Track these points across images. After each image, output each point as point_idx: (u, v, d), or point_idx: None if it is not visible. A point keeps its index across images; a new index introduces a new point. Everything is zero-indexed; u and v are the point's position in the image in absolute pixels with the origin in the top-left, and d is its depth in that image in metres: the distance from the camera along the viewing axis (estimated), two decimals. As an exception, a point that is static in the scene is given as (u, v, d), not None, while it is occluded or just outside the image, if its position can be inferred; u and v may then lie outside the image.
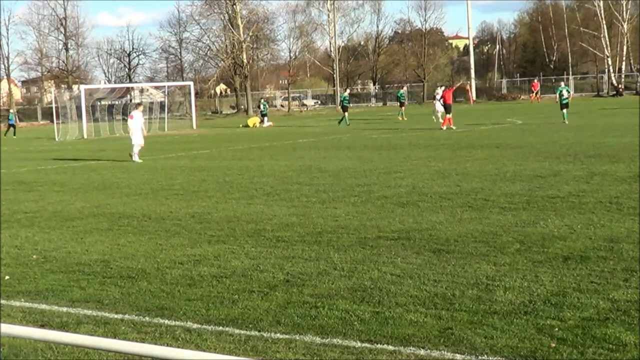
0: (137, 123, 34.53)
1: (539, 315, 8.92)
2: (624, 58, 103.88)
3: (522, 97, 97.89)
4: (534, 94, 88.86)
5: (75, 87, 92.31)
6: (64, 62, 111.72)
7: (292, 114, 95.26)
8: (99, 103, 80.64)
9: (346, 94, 62.21)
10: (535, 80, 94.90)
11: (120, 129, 63.38)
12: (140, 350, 4.40)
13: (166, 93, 79.38)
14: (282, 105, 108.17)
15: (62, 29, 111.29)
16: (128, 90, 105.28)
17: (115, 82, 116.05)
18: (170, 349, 4.33)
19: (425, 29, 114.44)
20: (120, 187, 23.45)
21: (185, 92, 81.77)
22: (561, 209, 15.90)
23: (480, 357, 7.78)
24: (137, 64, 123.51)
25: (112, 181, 25.41)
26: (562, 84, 43.15)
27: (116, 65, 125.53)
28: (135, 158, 33.22)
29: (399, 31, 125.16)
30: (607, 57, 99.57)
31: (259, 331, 8.88)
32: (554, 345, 7.94)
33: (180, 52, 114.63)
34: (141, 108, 37.81)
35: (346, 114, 56.99)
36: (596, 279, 10.34)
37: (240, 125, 64.89)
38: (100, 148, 44.18)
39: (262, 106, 66.21)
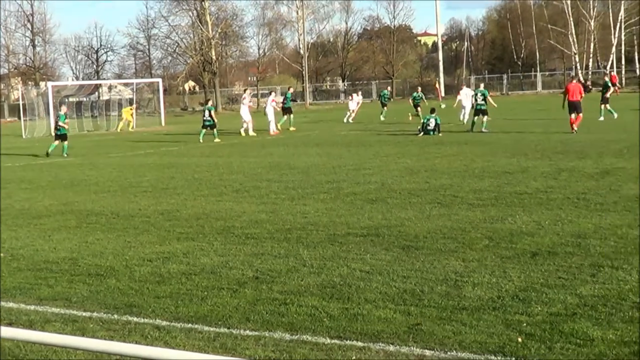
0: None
1: (507, 310, 8.97)
2: (591, 55, 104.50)
3: (491, 93, 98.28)
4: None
5: (42, 84, 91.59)
6: (31, 58, 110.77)
7: (260, 110, 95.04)
8: (66, 100, 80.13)
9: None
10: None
11: (89, 125, 63.12)
12: (109, 348, 4.38)
13: (134, 90, 78.92)
14: (250, 102, 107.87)
15: (29, 26, 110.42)
16: (96, 87, 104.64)
17: (83, 79, 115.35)
18: (139, 347, 4.32)
19: (394, 26, 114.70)
20: (89, 185, 23.33)
21: (154, 88, 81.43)
22: (529, 205, 15.99)
23: (449, 353, 7.81)
24: (105, 61, 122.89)
25: (80, 178, 25.27)
26: (482, 85, 42.01)
27: (84, 62, 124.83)
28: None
29: (368, 28, 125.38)
30: (575, 54, 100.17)
31: (228, 328, 8.87)
32: (521, 340, 7.98)
33: (149, 49, 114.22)
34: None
35: (290, 115, 51.13)
36: (564, 274, 10.41)
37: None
38: (68, 145, 43.88)
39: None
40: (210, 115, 41.15)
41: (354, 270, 11.18)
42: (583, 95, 36.56)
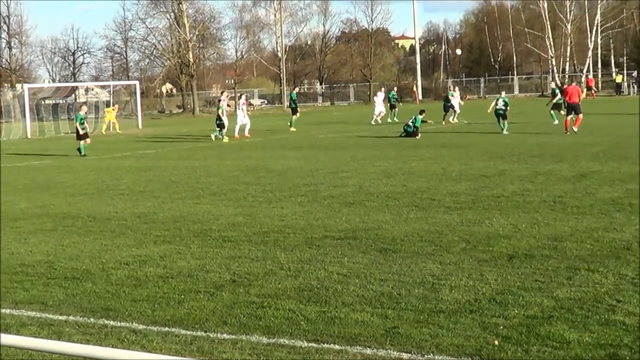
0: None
1: (484, 313, 9.00)
2: (568, 58, 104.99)
3: (468, 97, 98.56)
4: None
5: (18, 86, 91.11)
6: (7, 60, 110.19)
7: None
8: (43, 102, 79.74)
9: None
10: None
11: (66, 128, 62.82)
12: (85, 352, 4.35)
13: (111, 92, 78.64)
14: (228, 105, 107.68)
15: (4, 27, 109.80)
16: (73, 89, 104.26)
17: (59, 81, 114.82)
18: (115, 350, 4.29)
19: (372, 29, 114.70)
20: (65, 187, 23.22)
21: (131, 91, 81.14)
22: (506, 208, 16.04)
23: (426, 356, 7.82)
24: (82, 63, 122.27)
25: (57, 181, 25.15)
26: (503, 93, 42.68)
27: (61, 64, 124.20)
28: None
29: (346, 31, 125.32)
30: (552, 57, 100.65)
31: (205, 331, 8.85)
32: (498, 343, 8.00)
33: (126, 51, 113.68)
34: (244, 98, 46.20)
35: (295, 116, 50.44)
36: (540, 277, 10.45)
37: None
38: (45, 148, 43.72)
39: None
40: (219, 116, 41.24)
41: (331, 273, 11.18)
42: (581, 97, 37.52)
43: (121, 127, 59.67)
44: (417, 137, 36.76)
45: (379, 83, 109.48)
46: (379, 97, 53.46)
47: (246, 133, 44.00)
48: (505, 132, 36.73)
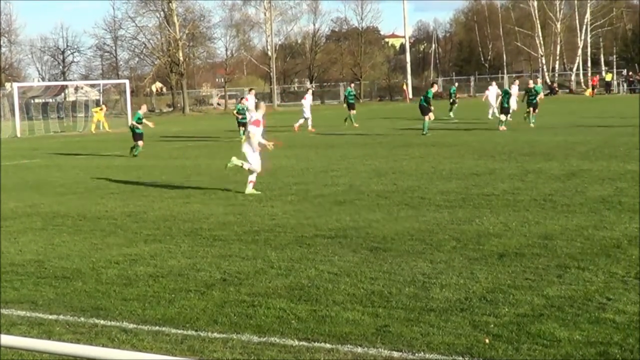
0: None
1: (474, 312, 9.00)
2: (558, 57, 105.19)
3: (458, 95, 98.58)
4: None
5: (8, 84, 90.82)
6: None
7: (228, 112, 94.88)
8: (32, 101, 79.55)
9: (351, 88, 52.28)
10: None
11: (55, 127, 62.68)
12: (75, 351, 4.34)
13: (101, 91, 78.54)
14: (218, 104, 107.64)
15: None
16: (62, 88, 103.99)
17: (49, 80, 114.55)
18: (106, 350, 4.28)
19: (362, 28, 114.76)
20: (55, 186, 23.17)
21: (121, 90, 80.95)
22: (496, 206, 16.07)
23: (416, 354, 7.82)
24: (72, 62, 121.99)
25: (47, 180, 25.10)
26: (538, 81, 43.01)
27: (50, 63, 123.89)
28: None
29: (336, 30, 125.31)
30: (541, 56, 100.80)
31: (196, 331, 8.84)
32: (489, 341, 8.01)
33: (116, 50, 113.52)
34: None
35: (352, 112, 48.38)
36: (531, 275, 10.46)
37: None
38: (34, 147, 43.62)
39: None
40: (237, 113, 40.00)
41: (322, 272, 11.18)
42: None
43: (111, 126, 59.56)
44: (429, 116, 36.87)
45: (369, 81, 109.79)
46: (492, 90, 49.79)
47: (309, 127, 44.72)
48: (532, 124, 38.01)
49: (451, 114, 51.87)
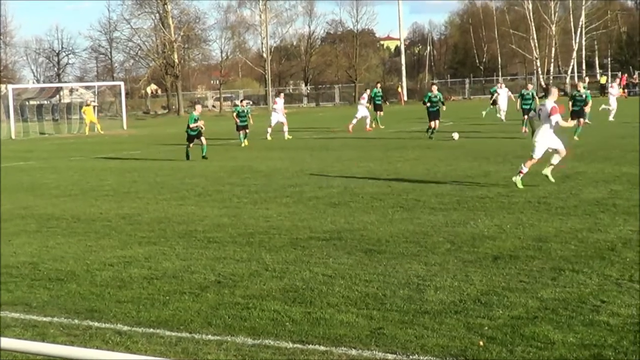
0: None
1: (469, 314, 9.01)
2: (552, 59, 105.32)
3: (453, 98, 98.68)
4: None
5: (2, 86, 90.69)
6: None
7: (223, 114, 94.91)
8: (27, 103, 79.43)
9: (378, 88, 49.84)
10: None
11: (50, 129, 62.63)
12: (69, 353, 4.34)
13: (96, 93, 78.48)
14: (213, 106, 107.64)
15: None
16: (57, 90, 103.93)
17: (44, 82, 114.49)
18: (100, 352, 4.28)
19: (357, 30, 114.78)
20: (49, 188, 23.14)
21: (116, 92, 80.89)
22: (491, 209, 16.08)
23: (411, 357, 7.82)
24: (67, 64, 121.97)
25: (41, 182, 25.06)
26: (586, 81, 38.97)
27: (45, 65, 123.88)
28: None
29: (331, 32, 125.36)
30: (536, 58, 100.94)
31: (190, 333, 8.83)
32: (483, 343, 8.02)
33: (111, 52, 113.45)
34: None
35: (380, 113, 47.77)
36: (525, 278, 10.47)
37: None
38: (29, 149, 43.58)
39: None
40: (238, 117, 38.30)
41: (316, 274, 11.17)
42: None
43: (106, 127, 59.53)
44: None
45: (364, 84, 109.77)
46: (503, 91, 49.21)
47: (367, 127, 44.61)
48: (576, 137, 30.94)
49: (484, 112, 51.18)
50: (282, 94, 48.21)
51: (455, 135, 34.25)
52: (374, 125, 45.82)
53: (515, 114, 40.79)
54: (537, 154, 19.22)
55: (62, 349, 4.48)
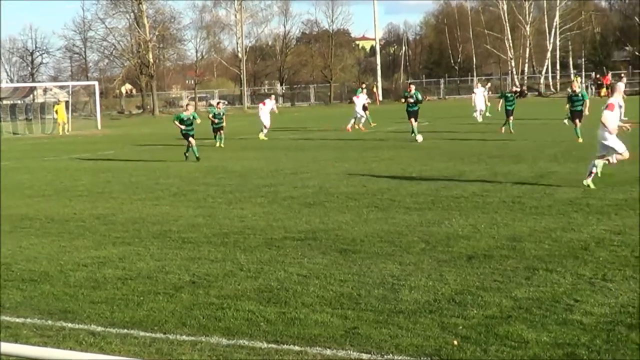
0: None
1: (443, 313, 9.03)
2: (527, 60, 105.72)
3: (428, 98, 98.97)
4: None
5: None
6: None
7: (199, 114, 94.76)
8: (1, 103, 78.98)
9: (362, 88, 49.91)
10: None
11: (24, 128, 62.28)
12: (42, 354, 4.32)
13: (70, 93, 78.11)
14: (188, 105, 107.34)
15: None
16: (31, 89, 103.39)
17: (17, 82, 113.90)
18: (73, 353, 4.26)
19: (333, 30, 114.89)
20: (23, 189, 23.01)
21: (90, 91, 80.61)
22: (465, 208, 16.12)
23: (385, 356, 7.83)
24: (41, 63, 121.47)
25: (14, 182, 24.91)
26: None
27: (19, 64, 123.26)
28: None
29: (307, 32, 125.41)
30: (511, 58, 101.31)
31: (165, 333, 8.81)
32: (457, 343, 8.03)
33: (85, 51, 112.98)
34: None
35: (366, 112, 46.91)
36: (499, 277, 10.50)
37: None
38: (2, 149, 43.31)
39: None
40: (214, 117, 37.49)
41: (291, 274, 11.17)
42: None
43: (80, 127, 59.25)
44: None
45: (339, 84, 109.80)
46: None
47: (361, 126, 44.78)
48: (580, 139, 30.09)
49: (488, 113, 50.05)
50: (272, 96, 47.92)
51: (420, 138, 33.58)
52: (360, 126, 45.61)
53: (498, 115, 40.70)
54: (620, 148, 18.30)
55: (34, 350, 4.46)
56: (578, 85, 33.52)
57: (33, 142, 49.96)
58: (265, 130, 41.42)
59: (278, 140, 39.46)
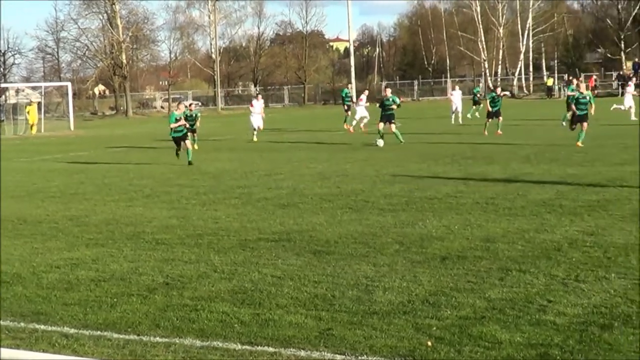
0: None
1: (417, 314, 9.04)
2: (500, 62, 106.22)
3: (402, 99, 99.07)
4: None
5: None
6: None
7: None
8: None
9: (348, 89, 50.04)
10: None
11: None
12: (15, 356, 4.30)
13: (43, 94, 77.65)
14: (162, 107, 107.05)
15: None
16: (3, 90, 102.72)
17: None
18: (46, 355, 4.24)
19: (307, 31, 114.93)
20: (-5, 190, 22.86)
21: (63, 92, 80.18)
22: (439, 209, 16.16)
23: (359, 357, 7.83)
24: (13, 64, 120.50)
25: (-13, 183, 24.75)
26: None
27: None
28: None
29: (280, 33, 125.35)
30: (484, 60, 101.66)
31: (138, 335, 8.77)
32: (431, 344, 8.05)
33: (58, 52, 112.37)
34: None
35: (349, 113, 46.17)
36: (473, 278, 10.53)
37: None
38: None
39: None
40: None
41: (265, 275, 11.16)
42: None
43: (53, 128, 58.92)
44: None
45: (313, 85, 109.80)
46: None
47: (362, 127, 43.95)
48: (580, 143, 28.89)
49: (477, 114, 50.38)
50: (259, 96, 47.09)
51: (380, 143, 32.58)
52: (347, 126, 45.10)
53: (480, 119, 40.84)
54: None
55: (7, 352, 4.43)
56: (584, 87, 31.95)
57: (5, 143, 49.63)
58: (255, 132, 40.86)
59: (252, 142, 39.38)
